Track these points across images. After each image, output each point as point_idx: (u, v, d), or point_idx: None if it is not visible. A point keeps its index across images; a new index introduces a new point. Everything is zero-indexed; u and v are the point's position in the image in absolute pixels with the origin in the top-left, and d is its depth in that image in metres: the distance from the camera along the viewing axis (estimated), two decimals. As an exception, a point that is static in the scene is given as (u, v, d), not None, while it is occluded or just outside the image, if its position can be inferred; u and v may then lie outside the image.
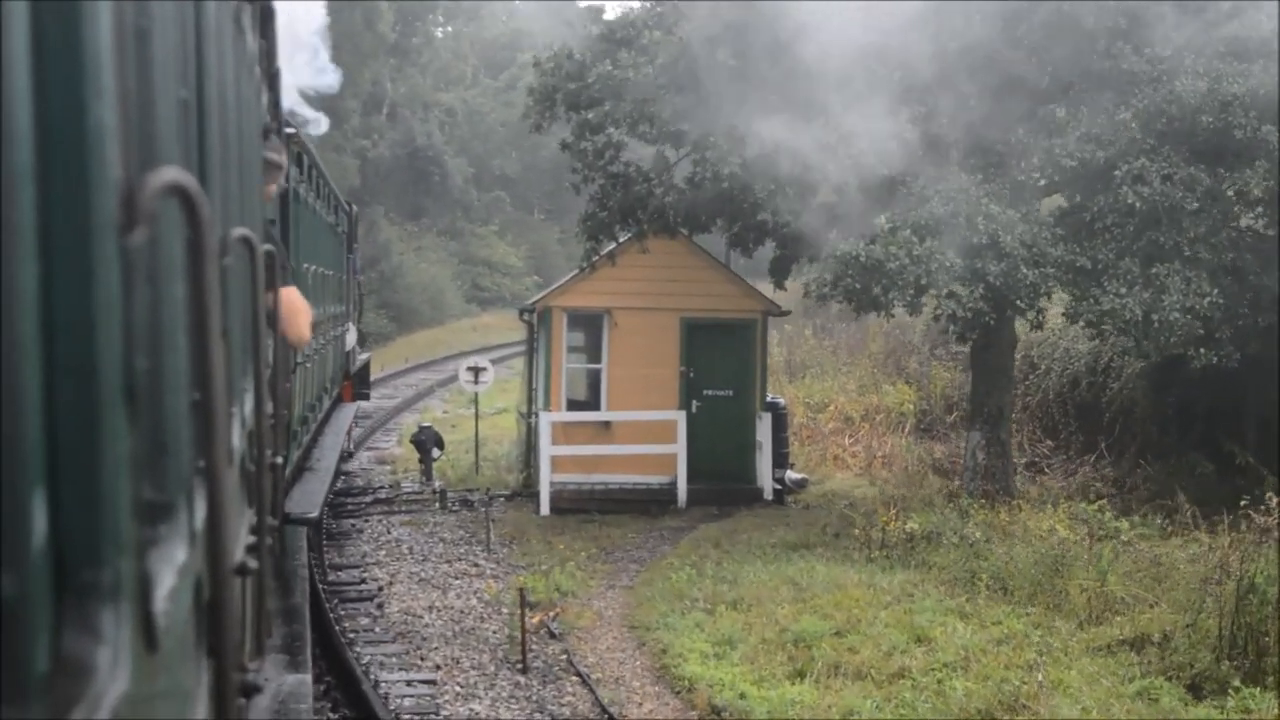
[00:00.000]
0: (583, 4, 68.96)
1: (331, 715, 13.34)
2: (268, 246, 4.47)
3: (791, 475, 25.94)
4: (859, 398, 32.24)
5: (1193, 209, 19.86)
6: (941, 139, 21.30)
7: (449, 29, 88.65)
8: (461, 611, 17.25)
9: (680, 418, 24.22)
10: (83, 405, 1.69)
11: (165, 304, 2.33)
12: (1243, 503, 17.28)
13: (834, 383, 34.06)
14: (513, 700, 14.05)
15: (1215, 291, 19.88)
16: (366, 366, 30.32)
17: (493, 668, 15.02)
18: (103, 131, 1.72)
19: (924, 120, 21.22)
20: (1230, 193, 19.82)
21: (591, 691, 14.25)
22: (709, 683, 14.12)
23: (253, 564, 3.58)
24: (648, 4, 23.88)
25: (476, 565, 19.74)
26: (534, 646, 15.52)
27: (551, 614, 16.83)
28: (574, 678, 14.77)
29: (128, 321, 1.93)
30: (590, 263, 24.56)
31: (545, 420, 24.00)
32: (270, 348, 4.89)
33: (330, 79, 24.14)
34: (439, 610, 17.29)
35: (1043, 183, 20.83)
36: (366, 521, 22.93)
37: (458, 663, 15.15)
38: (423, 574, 19.21)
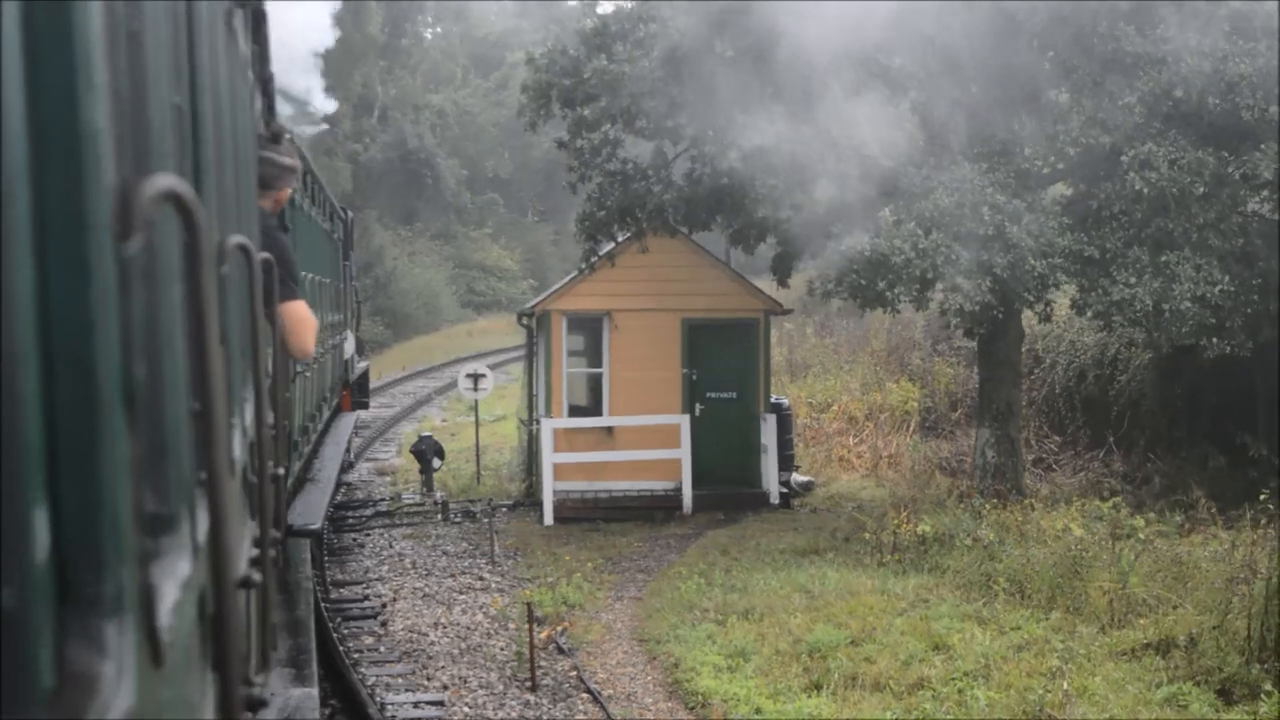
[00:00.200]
0: (571, 2, 68.39)
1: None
2: (265, 255, 4.35)
3: (797, 478, 25.57)
4: (862, 396, 31.84)
5: (1200, 194, 19.48)
6: (944, 128, 20.91)
7: (438, 29, 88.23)
8: (467, 628, 16.85)
9: (684, 421, 23.84)
10: (82, 415, 1.69)
11: (163, 312, 2.34)
12: (1262, 496, 16.87)
13: (836, 381, 33.65)
14: (522, 720, 13.68)
15: (1226, 279, 19.51)
16: (365, 375, 30.08)
17: (501, 686, 14.63)
18: (97, 137, 1.72)
19: (926, 109, 20.84)
20: (1237, 176, 19.45)
21: (603, 709, 13.86)
22: (723, 697, 13.72)
23: (257, 577, 3.56)
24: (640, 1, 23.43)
25: (481, 579, 19.35)
26: (543, 663, 15.14)
27: (559, 628, 16.44)
28: (585, 695, 14.37)
29: (125, 330, 1.93)
30: (589, 264, 24.16)
31: (547, 427, 23.61)
32: (270, 357, 4.79)
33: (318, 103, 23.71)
34: (444, 627, 16.90)
35: (1046, 170, 20.42)
36: (368, 535, 22.54)
37: (465, 682, 14.75)
38: (426, 589, 18.82)
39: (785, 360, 35.78)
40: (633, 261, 24.11)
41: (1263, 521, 16.74)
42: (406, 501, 25.37)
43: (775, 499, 24.12)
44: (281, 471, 5.02)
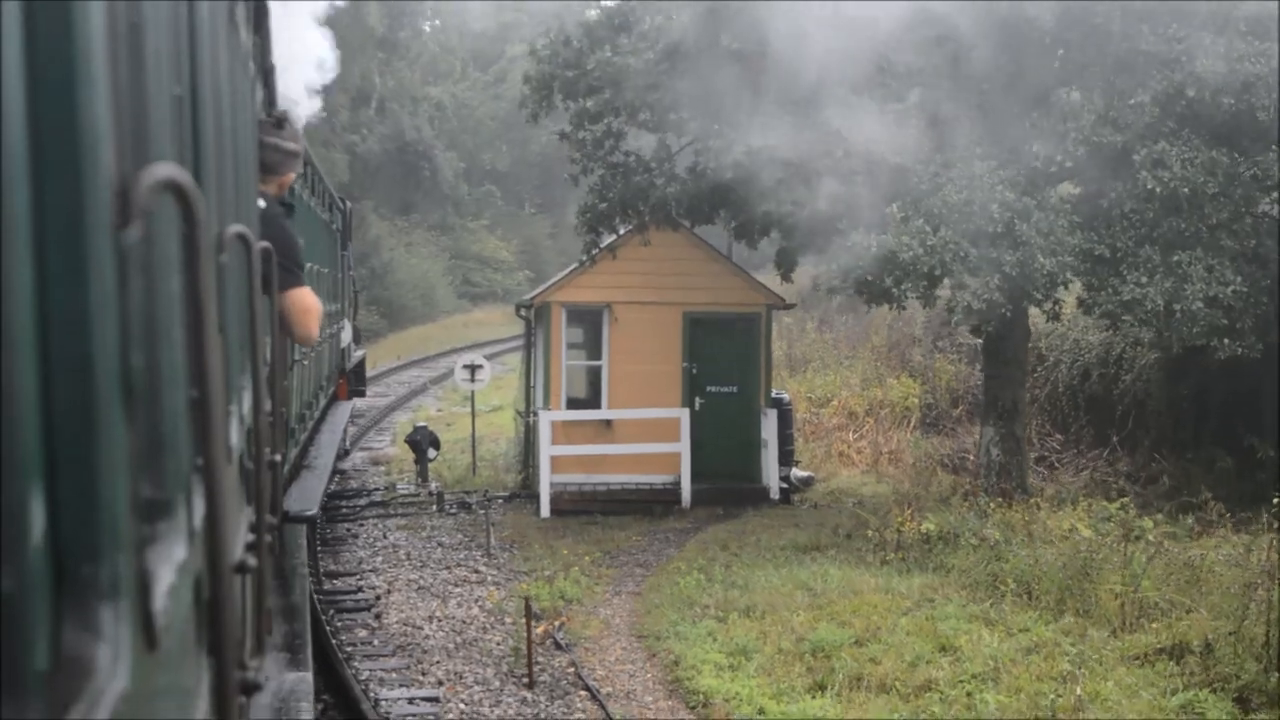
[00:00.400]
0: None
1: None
2: (264, 244, 4.32)
3: (797, 473, 25.26)
4: (862, 392, 31.54)
5: (1213, 193, 19.18)
6: (953, 124, 20.59)
7: (437, 22, 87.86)
8: (463, 621, 16.53)
9: (683, 415, 23.53)
10: (80, 401, 1.69)
11: (161, 300, 2.33)
12: (1276, 500, 16.54)
13: (836, 377, 33.35)
14: (520, 718, 13.33)
15: (1238, 280, 19.21)
16: (362, 363, 29.92)
17: (497, 682, 14.30)
18: (96, 126, 1.72)
19: (933, 105, 20.51)
20: (1248, 176, 19.16)
21: (602, 707, 13.54)
22: (725, 697, 13.41)
23: (252, 562, 3.58)
24: None
25: (477, 571, 19.02)
26: (540, 659, 14.81)
27: (557, 623, 16.12)
28: (583, 692, 14.05)
29: (124, 318, 1.93)
30: (589, 256, 23.82)
31: (545, 419, 23.28)
32: (268, 345, 4.74)
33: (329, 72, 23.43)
34: (439, 620, 16.56)
35: (1053, 169, 20.08)
36: (362, 525, 22.21)
37: (461, 677, 14.42)
38: (421, 581, 18.48)
39: (785, 355, 35.43)
40: (634, 254, 23.79)
41: (1275, 525, 16.38)
42: (401, 492, 25.05)
43: (775, 494, 23.82)
44: (278, 458, 5.02)
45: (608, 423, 23.89)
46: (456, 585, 18.29)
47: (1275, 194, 19.65)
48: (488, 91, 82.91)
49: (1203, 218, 19.37)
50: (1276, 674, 12.61)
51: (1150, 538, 16.72)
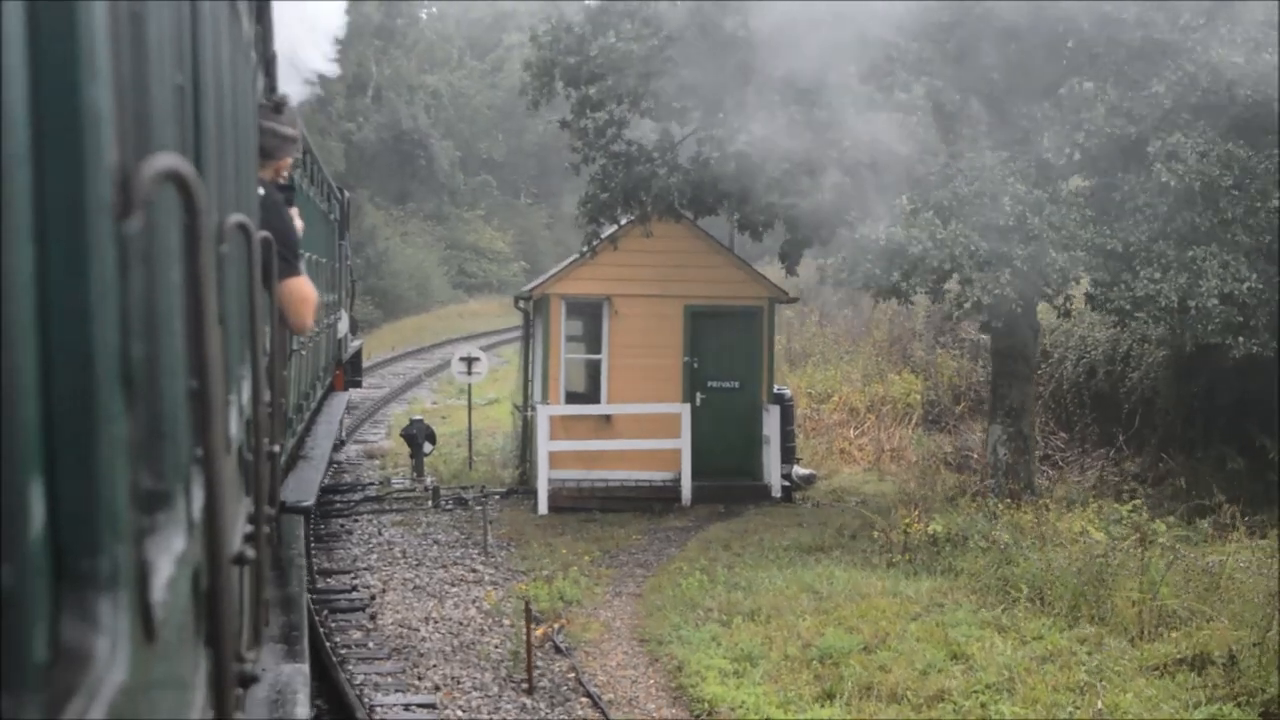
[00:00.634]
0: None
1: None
2: (265, 234, 4.33)
3: (799, 470, 24.83)
4: (863, 388, 31.11)
5: (1228, 186, 18.73)
6: (963, 114, 20.15)
7: (433, 9, 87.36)
8: (460, 623, 16.08)
9: (684, 411, 23.10)
10: (79, 392, 1.68)
11: (162, 290, 2.34)
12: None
13: (837, 371, 32.92)
14: (519, 726, 12.92)
15: (1254, 276, 18.78)
16: (358, 354, 29.65)
17: (496, 688, 13.86)
18: (98, 116, 1.72)
19: (942, 95, 20.06)
20: (1259, 169, 18.73)
21: (603, 714, 13.10)
22: (730, 705, 12.97)
23: (250, 553, 3.56)
24: None
25: (474, 570, 18.58)
26: (539, 663, 14.37)
27: (556, 626, 15.69)
28: (584, 699, 13.61)
29: (124, 308, 1.93)
30: (590, 247, 23.36)
31: (543, 414, 22.83)
32: (268, 335, 4.72)
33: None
34: (436, 622, 16.12)
35: (1062, 162, 19.62)
36: (356, 521, 21.76)
37: (458, 682, 13.97)
38: (417, 580, 18.04)
39: (785, 349, 34.99)
40: (635, 245, 23.32)
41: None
42: (396, 487, 24.62)
43: (777, 492, 23.40)
44: (277, 449, 5.06)
45: (607, 418, 23.46)
46: (453, 585, 17.85)
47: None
48: (484, 80, 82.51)
49: (1218, 212, 18.92)
50: (1304, 688, 12.18)
51: (1163, 541, 16.30)
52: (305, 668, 8.00)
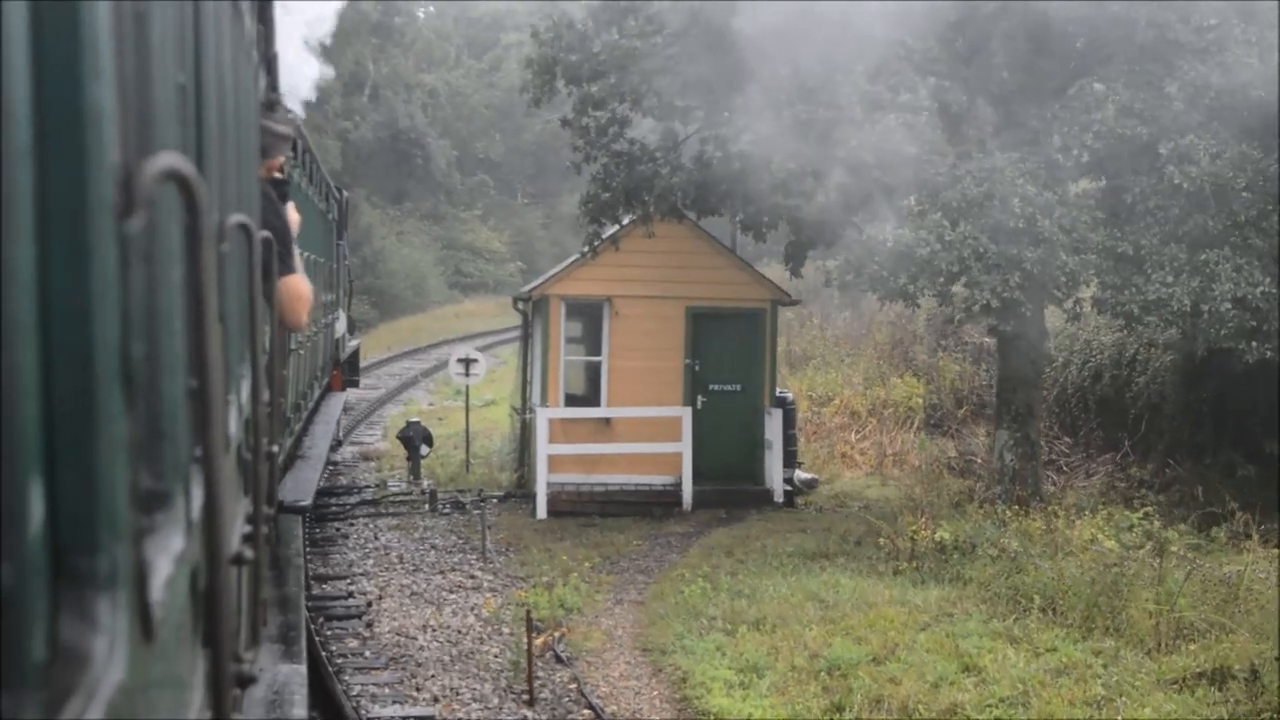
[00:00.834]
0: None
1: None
2: (265, 233, 4.33)
3: (800, 475, 24.50)
4: (865, 391, 30.77)
5: (1241, 188, 18.40)
6: (971, 114, 19.82)
7: (431, 8, 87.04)
8: (459, 631, 15.73)
9: (685, 414, 22.75)
10: (80, 391, 1.69)
11: (162, 290, 2.34)
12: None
13: (838, 374, 32.59)
14: (520, 739, 12.57)
15: (1268, 280, 18.44)
16: (356, 354, 29.40)
17: (496, 699, 13.51)
18: (101, 115, 1.73)
19: (951, 93, 19.73)
20: (1274, 171, 18.41)
21: (607, 728, 12.78)
22: (738, 718, 12.64)
23: (249, 553, 3.56)
24: None
25: (472, 577, 18.22)
26: (540, 673, 14.03)
27: (557, 634, 15.34)
28: (586, 711, 13.27)
29: (125, 307, 1.94)
30: (591, 247, 23.01)
31: (542, 416, 22.47)
32: (267, 335, 4.74)
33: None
34: (434, 630, 15.76)
35: (1070, 164, 19.29)
36: (352, 525, 21.40)
37: (457, 693, 13.62)
38: (414, 587, 17.69)
39: (785, 351, 34.65)
40: (636, 246, 22.97)
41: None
42: (392, 490, 24.26)
43: (779, 497, 23.05)
44: (275, 449, 5.06)
45: (607, 421, 23.11)
46: (451, 591, 17.50)
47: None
48: (482, 79, 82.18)
49: (1230, 215, 18.60)
50: (1330, 704, 11.86)
51: (1174, 549, 15.96)
52: (303, 668, 7.79)
